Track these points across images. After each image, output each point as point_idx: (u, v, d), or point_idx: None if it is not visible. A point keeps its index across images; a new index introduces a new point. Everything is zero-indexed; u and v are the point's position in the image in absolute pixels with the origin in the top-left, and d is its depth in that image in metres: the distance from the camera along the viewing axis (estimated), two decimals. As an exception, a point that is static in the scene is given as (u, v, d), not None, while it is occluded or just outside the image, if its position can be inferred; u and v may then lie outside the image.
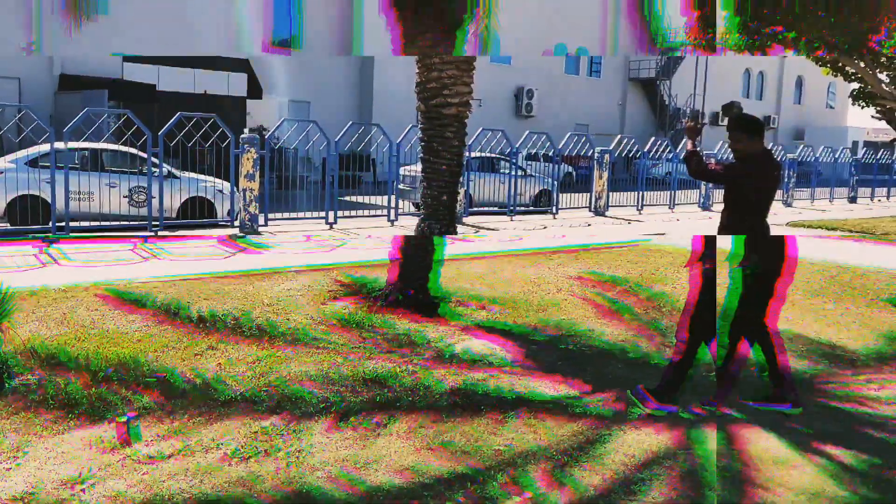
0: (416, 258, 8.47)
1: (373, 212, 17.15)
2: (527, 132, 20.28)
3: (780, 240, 5.75)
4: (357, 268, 10.58)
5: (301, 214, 15.83)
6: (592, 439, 5.10)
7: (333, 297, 8.88)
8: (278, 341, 6.94)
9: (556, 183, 20.28)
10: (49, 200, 12.73)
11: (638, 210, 21.15)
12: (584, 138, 21.69)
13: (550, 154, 21.00)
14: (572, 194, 21.48)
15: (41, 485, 4.12)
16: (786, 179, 25.23)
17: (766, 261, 5.59)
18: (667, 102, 44.69)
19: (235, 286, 9.11)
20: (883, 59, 13.61)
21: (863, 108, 15.73)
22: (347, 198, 18.61)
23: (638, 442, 5.05)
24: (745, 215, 5.59)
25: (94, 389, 5.44)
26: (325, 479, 4.35)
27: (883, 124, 17.60)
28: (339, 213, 15.68)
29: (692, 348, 5.71)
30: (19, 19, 22.18)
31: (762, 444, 5.05)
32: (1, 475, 4.22)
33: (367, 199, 19.04)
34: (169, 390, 5.58)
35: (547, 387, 6.15)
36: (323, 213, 15.60)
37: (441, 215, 8.54)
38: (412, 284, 8.35)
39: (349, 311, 8.17)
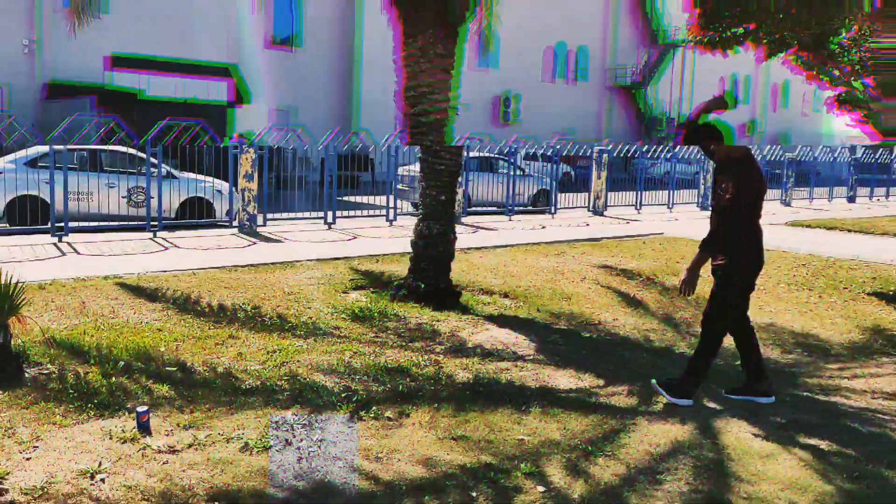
0: (438, 248, 8.43)
1: (371, 212, 17.09)
2: (514, 136, 20.26)
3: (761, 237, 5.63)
4: (374, 259, 10.58)
5: (300, 214, 15.77)
6: (615, 429, 5.05)
7: (352, 287, 8.84)
8: (298, 331, 6.90)
9: (554, 183, 20.26)
10: (48, 200, 12.63)
11: (636, 209, 21.14)
12: (568, 144, 21.67)
13: (549, 154, 20.98)
14: (570, 194, 21.44)
15: (59, 475, 4.04)
16: (784, 179, 25.30)
17: (751, 261, 5.51)
18: (649, 109, 44.69)
19: (254, 276, 9.08)
20: (868, 64, 13.59)
21: (839, 115, 15.56)
22: (346, 198, 18.55)
23: (664, 432, 5.02)
24: (743, 219, 5.43)
25: (111, 380, 5.38)
26: (345, 470, 4.28)
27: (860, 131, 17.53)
28: (338, 214, 15.62)
29: (715, 342, 5.65)
30: (19, 19, 22.14)
31: (745, 436, 5.03)
32: (19, 465, 4.14)
33: (365, 200, 19.00)
34: (188, 380, 5.51)
35: (569, 376, 6.12)
36: (321, 214, 15.53)
37: (439, 215, 8.51)
38: (432, 274, 8.32)
39: (368, 301, 8.15)
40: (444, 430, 4.87)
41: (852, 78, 12.43)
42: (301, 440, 4.61)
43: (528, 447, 4.69)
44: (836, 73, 12.86)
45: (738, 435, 5.03)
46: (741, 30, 10.75)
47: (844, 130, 53.05)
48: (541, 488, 4.17)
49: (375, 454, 4.50)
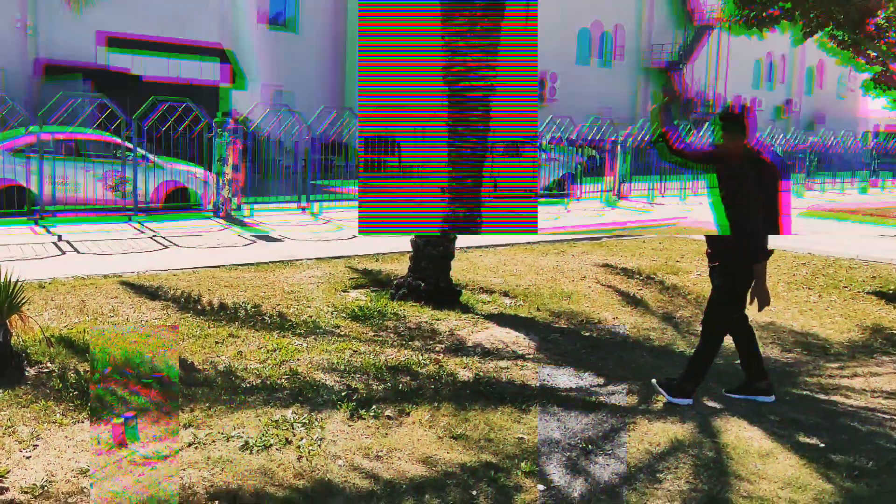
0: (438, 247, 8.40)
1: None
2: (550, 116, 20.00)
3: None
4: (374, 258, 10.56)
5: (284, 205, 15.74)
6: (615, 428, 5.06)
7: (352, 285, 8.84)
8: (297, 329, 6.90)
9: (569, 173, 20.02)
10: (30, 188, 12.64)
11: (651, 199, 20.95)
12: (607, 121, 21.29)
13: (574, 138, 20.57)
14: (584, 185, 21.03)
15: (59, 474, 4.05)
16: (798, 170, 25.09)
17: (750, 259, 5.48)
18: (684, 90, 44.27)
19: (255, 275, 9.08)
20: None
21: (875, 97, 15.50)
22: (327, 183, 18.42)
23: (664, 431, 5.02)
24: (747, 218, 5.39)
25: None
26: (345, 468, 4.29)
27: (897, 114, 17.43)
28: (323, 204, 15.58)
29: (715, 342, 5.64)
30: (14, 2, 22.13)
31: (745, 435, 5.03)
32: (19, 464, 4.15)
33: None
34: (187, 378, 5.50)
35: (570, 375, 6.12)
36: (305, 203, 15.48)
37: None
38: (433, 273, 8.30)
39: (368, 300, 8.13)
40: (444, 429, 4.88)
41: (890, 58, 12.32)
42: (301, 439, 4.62)
43: (529, 446, 4.69)
44: (873, 53, 12.72)
45: (737, 434, 5.04)
46: (788, 3, 10.60)
47: (875, 117, 52.82)
48: (541, 487, 4.19)
49: (375, 453, 4.50)
